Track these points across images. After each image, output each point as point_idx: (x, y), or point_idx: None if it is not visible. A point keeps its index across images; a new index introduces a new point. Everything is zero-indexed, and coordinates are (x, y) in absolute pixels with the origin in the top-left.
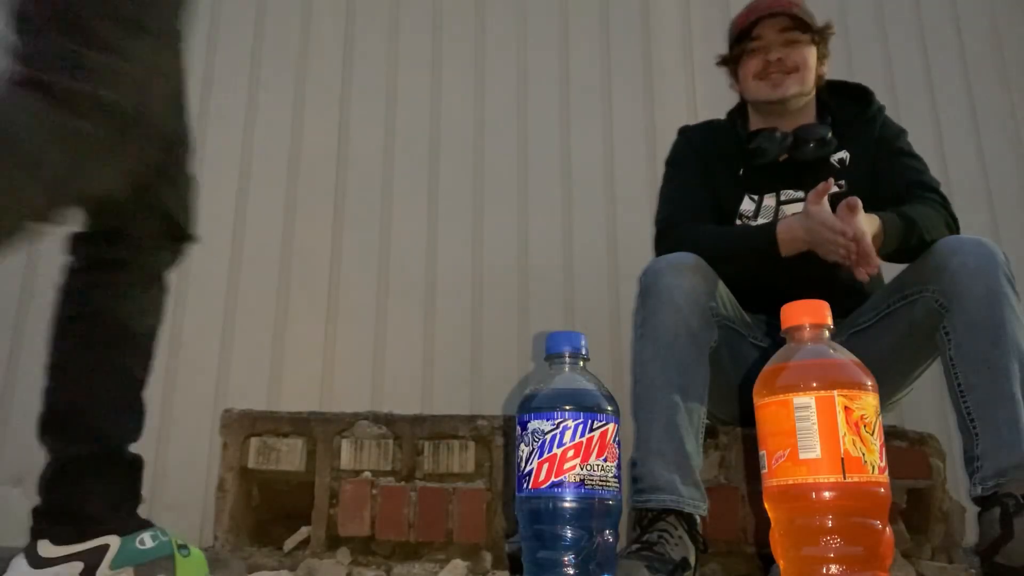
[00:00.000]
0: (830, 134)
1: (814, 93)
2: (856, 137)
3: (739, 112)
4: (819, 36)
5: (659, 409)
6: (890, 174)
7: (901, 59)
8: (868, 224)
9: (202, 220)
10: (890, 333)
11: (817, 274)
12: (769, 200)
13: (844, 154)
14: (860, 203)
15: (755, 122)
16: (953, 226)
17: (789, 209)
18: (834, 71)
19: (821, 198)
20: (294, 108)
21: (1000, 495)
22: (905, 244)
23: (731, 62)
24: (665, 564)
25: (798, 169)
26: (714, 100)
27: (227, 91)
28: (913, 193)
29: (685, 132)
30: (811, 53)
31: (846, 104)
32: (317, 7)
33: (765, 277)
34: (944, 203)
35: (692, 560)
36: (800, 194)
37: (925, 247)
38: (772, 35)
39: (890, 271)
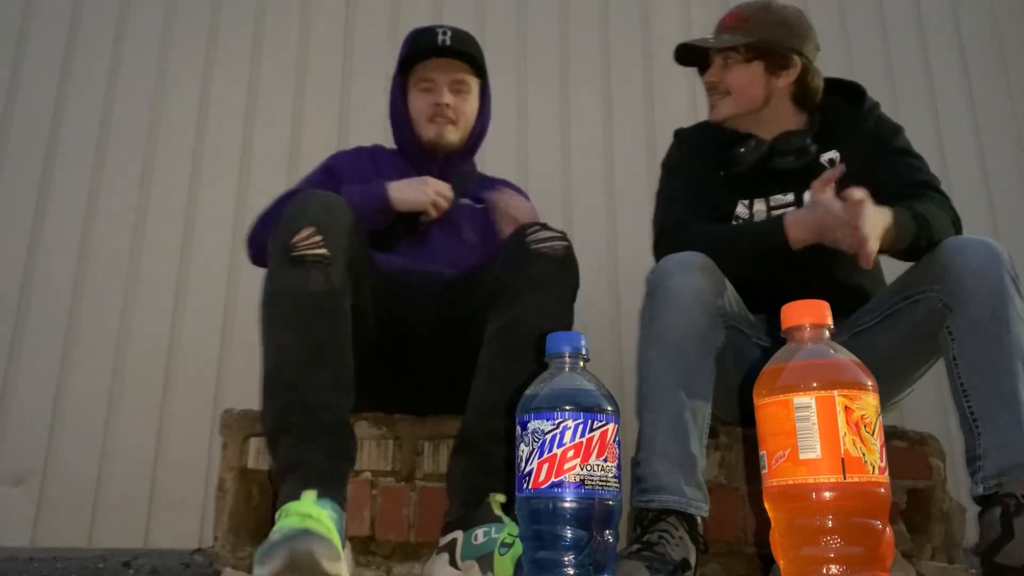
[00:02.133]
0: (809, 141)
1: (788, 99)
2: (847, 136)
3: None
4: (758, 52)
5: (665, 409)
6: (888, 173)
7: (901, 59)
8: (879, 217)
9: (202, 221)
10: (893, 333)
11: (818, 274)
12: (759, 204)
13: (834, 154)
14: (867, 194)
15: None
16: (959, 225)
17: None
18: (834, 71)
19: (826, 187)
20: (293, 110)
21: (1001, 495)
22: (916, 242)
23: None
24: (665, 565)
25: (786, 173)
26: None
27: (227, 89)
28: (914, 192)
29: (679, 135)
30: (748, 72)
31: (838, 102)
32: (316, 8)
33: (766, 279)
34: (947, 201)
35: (692, 561)
36: (789, 198)
37: (932, 247)
38: (714, 55)
39: (891, 272)
